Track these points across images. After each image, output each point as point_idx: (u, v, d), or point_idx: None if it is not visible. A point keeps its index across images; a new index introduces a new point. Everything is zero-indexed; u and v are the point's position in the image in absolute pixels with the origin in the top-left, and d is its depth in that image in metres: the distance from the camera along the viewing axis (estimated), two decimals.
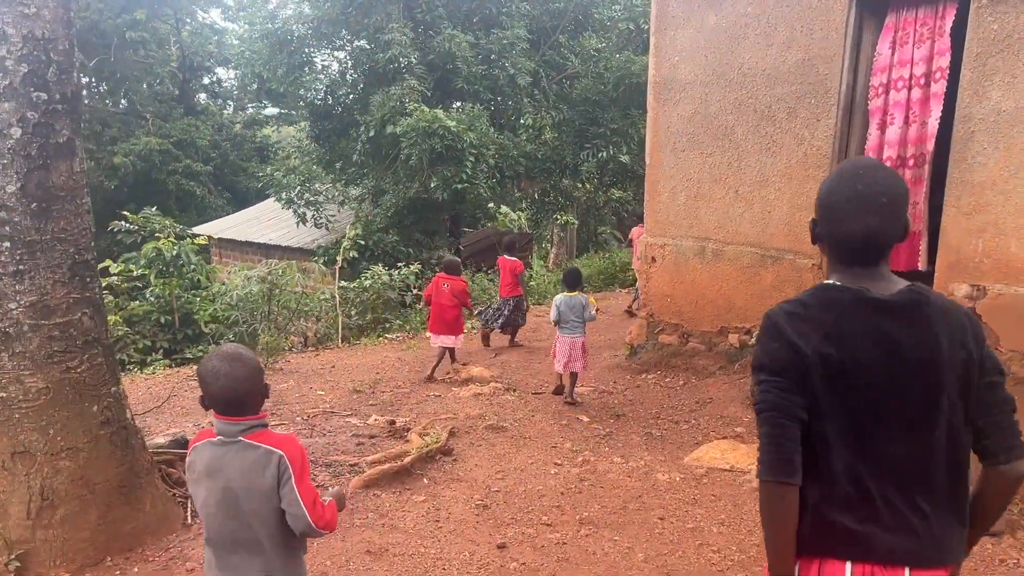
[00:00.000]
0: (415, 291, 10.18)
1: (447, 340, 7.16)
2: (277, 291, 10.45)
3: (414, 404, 6.15)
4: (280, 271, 9.95)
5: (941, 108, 5.13)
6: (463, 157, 12.87)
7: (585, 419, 5.68)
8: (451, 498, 4.15)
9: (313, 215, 14.76)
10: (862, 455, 1.45)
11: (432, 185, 12.96)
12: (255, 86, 16.40)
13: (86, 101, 23.76)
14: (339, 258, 11.96)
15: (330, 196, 14.90)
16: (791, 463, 1.45)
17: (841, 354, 1.45)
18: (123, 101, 26.00)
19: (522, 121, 14.66)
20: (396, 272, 10.21)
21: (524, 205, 20.94)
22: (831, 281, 1.55)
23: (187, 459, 2.08)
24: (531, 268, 18.68)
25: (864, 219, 1.47)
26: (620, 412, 5.82)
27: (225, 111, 30.78)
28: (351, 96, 16.34)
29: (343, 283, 10.77)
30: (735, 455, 4.69)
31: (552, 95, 15.29)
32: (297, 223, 15.01)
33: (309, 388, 6.75)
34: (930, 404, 1.45)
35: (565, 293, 6.05)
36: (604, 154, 14.17)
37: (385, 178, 14.62)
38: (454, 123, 12.72)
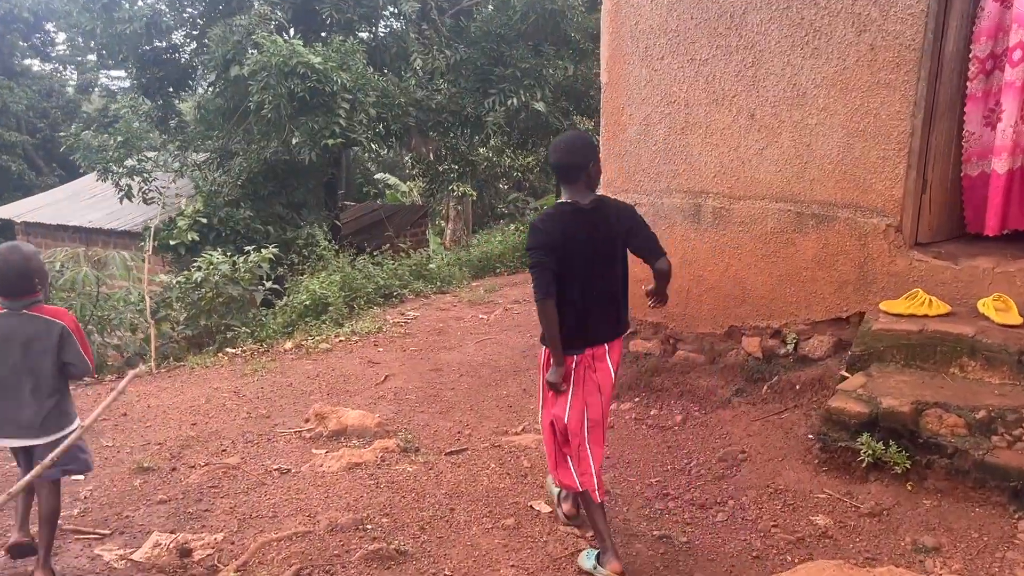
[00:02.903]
0: (269, 284, 7.52)
1: None
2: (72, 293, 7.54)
3: (239, 495, 3.63)
4: (68, 263, 7.04)
5: None
6: (334, 104, 10.17)
7: (545, 508, 3.35)
8: None
9: (141, 188, 11.62)
10: (581, 287, 2.88)
11: (295, 142, 10.18)
12: (79, 41, 12.93)
13: None
14: (150, 244, 9.07)
15: (164, 163, 11.79)
16: (550, 288, 2.80)
17: (568, 235, 2.83)
18: None
19: (410, 62, 12.03)
20: (242, 259, 7.50)
21: (416, 171, 18.33)
22: (562, 199, 2.94)
23: None
24: (428, 244, 16.15)
25: (554, 155, 2.94)
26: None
27: (63, 74, 26.32)
28: (188, 36, 13.16)
29: (162, 277, 7.93)
30: None
31: (445, 30, 12.72)
32: (121, 199, 11.82)
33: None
34: (612, 254, 2.97)
35: None
36: (514, 101, 11.78)
37: (235, 137, 11.67)
38: (320, 60, 9.98)
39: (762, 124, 4.33)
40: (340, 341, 6.99)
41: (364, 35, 12.65)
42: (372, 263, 9.95)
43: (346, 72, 10.43)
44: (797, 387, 4.13)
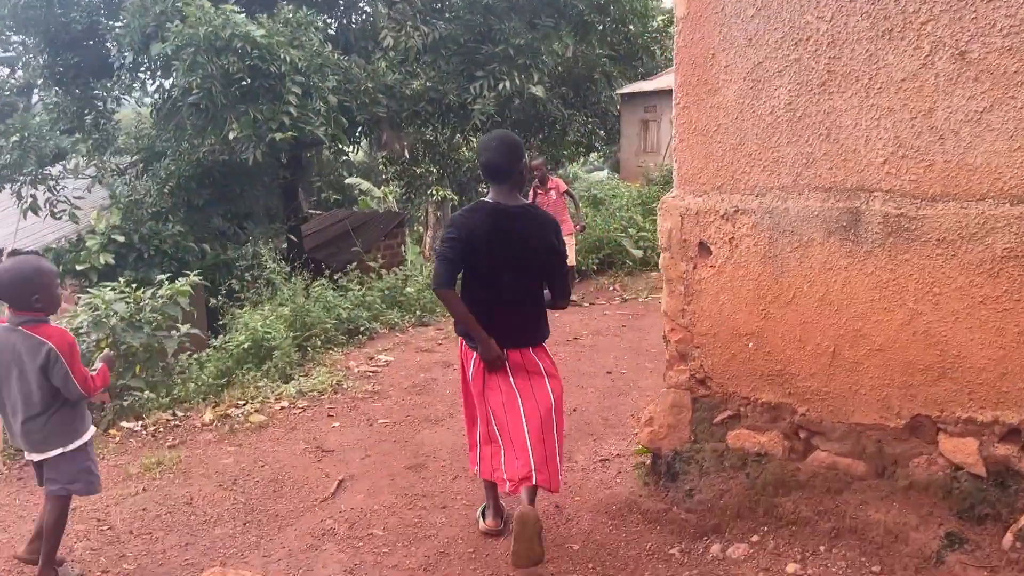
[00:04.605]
0: (186, 328, 5.62)
1: None
2: None
3: None
4: None
5: None
6: (282, 89, 8.30)
7: None
8: None
9: (48, 199, 9.68)
10: (489, 288, 2.96)
11: (232, 136, 8.29)
12: None
13: None
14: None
15: (75, 168, 9.84)
16: (442, 279, 2.89)
17: (479, 234, 2.90)
18: None
19: (380, 40, 10.21)
20: (148, 294, 5.60)
21: (390, 174, 16.48)
22: (485, 198, 3.05)
23: None
24: (405, 260, 14.27)
25: (484, 154, 3.00)
26: None
27: None
28: (106, 12, 11.22)
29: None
30: None
31: (420, 3, 10.88)
32: (24, 212, 9.86)
33: None
34: (526, 265, 2.99)
35: None
36: (506, 85, 9.97)
37: (164, 133, 9.76)
38: (262, 33, 8.12)
39: (983, 68, 2.54)
40: (281, 409, 5.13)
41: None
42: (334, 288, 8.08)
43: (298, 50, 8.60)
44: None
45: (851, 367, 2.92)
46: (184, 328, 5.75)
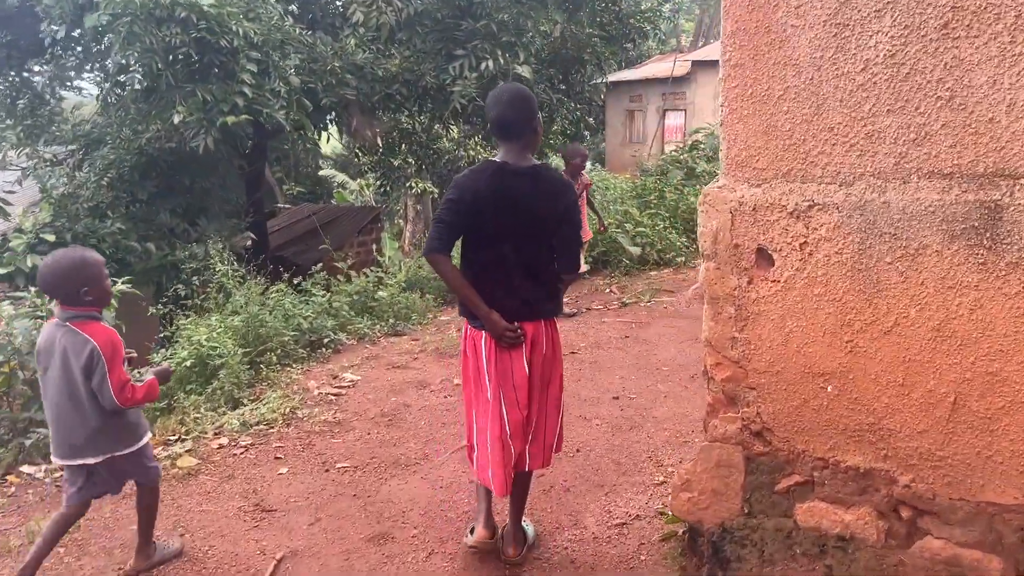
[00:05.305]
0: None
1: None
2: None
3: None
4: None
5: None
6: (235, 66, 7.39)
7: None
8: None
9: None
10: (493, 255, 2.72)
11: (178, 120, 7.37)
12: None
13: None
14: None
15: (6, 160, 8.87)
16: (434, 244, 2.67)
17: (484, 196, 2.66)
18: None
19: (348, 16, 9.31)
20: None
21: (365, 165, 15.58)
22: (493, 157, 2.82)
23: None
24: (378, 260, 13.38)
25: (494, 108, 2.72)
26: None
27: None
28: None
29: None
30: None
31: None
32: None
33: None
34: (536, 230, 2.73)
35: None
36: (489, 65, 9.11)
37: (104, 118, 8.80)
38: (211, 1, 7.19)
39: None
40: (219, 448, 4.28)
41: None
42: (295, 293, 7.20)
43: (254, 22, 7.68)
44: None
45: (981, 424, 2.12)
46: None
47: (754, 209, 2.42)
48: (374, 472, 3.83)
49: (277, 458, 4.09)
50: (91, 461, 2.75)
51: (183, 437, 4.50)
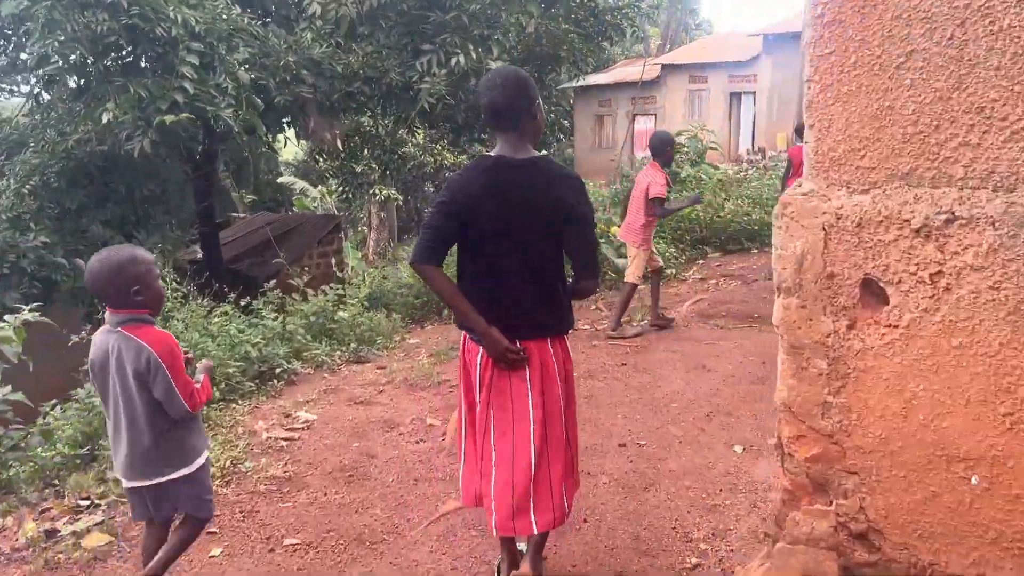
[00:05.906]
0: (4, 393, 3.89)
1: None
2: None
3: None
4: None
5: None
6: (173, 59, 6.58)
7: None
8: None
9: None
10: (491, 260, 2.40)
11: (107, 119, 6.52)
12: None
13: None
14: None
15: None
16: (423, 254, 2.36)
17: (479, 195, 2.37)
18: None
19: (304, 6, 8.54)
20: None
21: (326, 170, 14.77)
22: (488, 152, 2.52)
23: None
24: (344, 266, 12.58)
25: (487, 94, 2.37)
26: None
27: None
28: None
29: None
30: None
31: None
32: None
33: None
34: (539, 228, 2.39)
35: None
36: (459, 60, 8.40)
37: (31, 119, 7.91)
38: None
39: None
40: None
41: None
42: (245, 315, 6.41)
43: (195, 10, 6.88)
44: None
45: None
46: (3, 393, 4.03)
47: (858, 225, 1.74)
48: (330, 554, 3.08)
49: (211, 532, 3.31)
50: (144, 484, 2.55)
51: (96, 501, 3.71)
